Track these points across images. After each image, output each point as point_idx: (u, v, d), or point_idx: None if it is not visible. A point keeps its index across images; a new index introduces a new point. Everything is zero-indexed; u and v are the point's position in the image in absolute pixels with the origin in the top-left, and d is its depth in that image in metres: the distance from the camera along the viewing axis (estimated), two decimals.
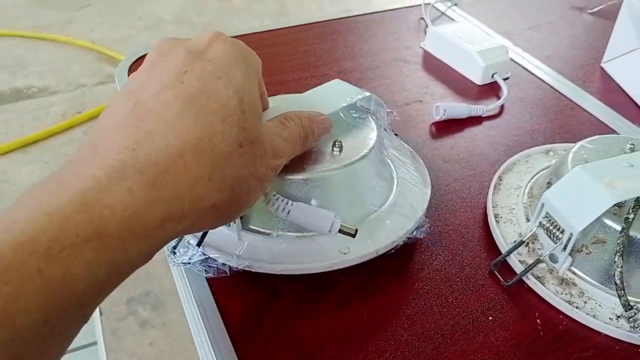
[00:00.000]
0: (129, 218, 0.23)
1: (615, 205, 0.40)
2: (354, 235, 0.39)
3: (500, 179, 0.49)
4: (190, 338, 0.38)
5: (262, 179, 0.31)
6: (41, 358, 0.21)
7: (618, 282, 0.37)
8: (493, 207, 0.47)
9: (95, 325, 0.78)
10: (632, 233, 0.38)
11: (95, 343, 0.75)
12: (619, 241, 0.38)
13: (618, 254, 0.38)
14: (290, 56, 0.69)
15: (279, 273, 0.40)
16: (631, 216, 0.38)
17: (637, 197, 0.39)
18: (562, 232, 0.40)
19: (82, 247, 0.21)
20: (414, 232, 0.43)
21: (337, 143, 0.43)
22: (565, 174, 0.42)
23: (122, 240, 0.22)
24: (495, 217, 0.46)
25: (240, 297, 0.40)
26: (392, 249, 0.42)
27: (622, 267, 0.37)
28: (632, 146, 0.45)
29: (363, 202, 0.43)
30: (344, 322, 0.39)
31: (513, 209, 0.47)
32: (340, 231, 0.39)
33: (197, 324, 0.38)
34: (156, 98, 0.27)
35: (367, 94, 0.48)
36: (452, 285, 0.41)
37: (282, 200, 0.39)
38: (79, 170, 0.24)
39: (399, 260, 0.43)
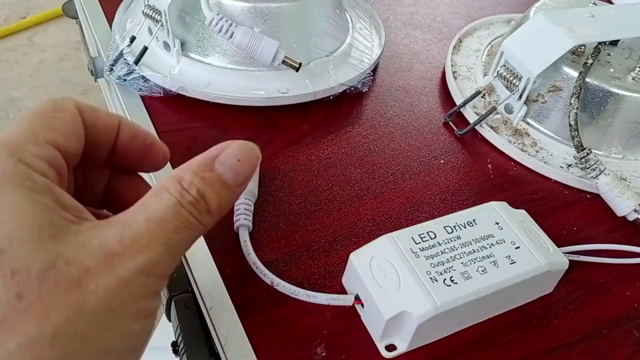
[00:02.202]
0: None
1: (574, 54, 0.39)
2: (297, 69, 0.38)
3: (460, 40, 0.48)
4: None
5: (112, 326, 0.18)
6: None
7: (572, 123, 0.37)
8: (452, 65, 0.45)
9: None
10: (588, 79, 0.38)
11: None
12: (576, 84, 0.37)
13: (574, 96, 0.37)
14: None
15: (213, 100, 0.39)
16: (590, 61, 0.38)
17: (597, 44, 0.38)
18: (519, 79, 0.39)
19: None
20: (358, 84, 0.42)
21: None
22: None
23: None
24: (454, 74, 0.44)
25: (176, 124, 0.38)
26: (331, 95, 0.41)
27: (577, 108, 0.37)
28: (595, 4, 0.44)
29: (309, 44, 0.41)
30: (292, 158, 0.37)
31: (471, 68, 0.46)
32: (283, 62, 0.37)
33: None
34: None
35: None
36: (405, 133, 0.40)
37: (227, 22, 0.36)
38: None
39: (351, 108, 0.42)
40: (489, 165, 0.39)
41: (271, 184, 0.35)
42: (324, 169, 0.37)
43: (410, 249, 0.27)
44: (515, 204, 0.36)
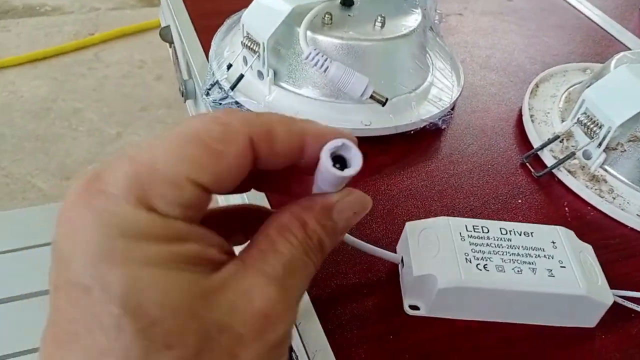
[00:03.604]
0: None
1: None
2: (384, 104, 0.40)
3: (537, 85, 0.49)
4: None
5: None
6: None
7: None
8: (529, 108, 0.47)
9: None
10: None
11: None
12: None
13: None
14: None
15: None
16: None
17: None
18: (599, 127, 0.40)
19: None
20: (438, 120, 0.43)
21: (380, 18, 0.42)
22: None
23: None
24: (531, 117, 0.46)
25: None
26: (412, 130, 0.42)
27: None
28: None
29: (395, 81, 0.43)
30: (373, 188, 0.39)
31: (548, 113, 0.47)
32: (371, 97, 0.39)
33: None
34: None
35: None
36: (483, 170, 0.42)
37: (323, 57, 0.39)
38: None
39: (430, 143, 0.43)
40: (566, 209, 0.39)
41: None
42: (403, 199, 0.39)
43: (460, 232, 0.30)
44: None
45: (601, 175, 0.41)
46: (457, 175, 0.41)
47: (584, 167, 0.42)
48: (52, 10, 2.03)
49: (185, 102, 0.51)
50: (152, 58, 1.85)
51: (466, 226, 0.30)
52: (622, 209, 0.39)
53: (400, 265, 0.32)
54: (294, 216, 0.21)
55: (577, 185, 0.40)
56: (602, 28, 0.63)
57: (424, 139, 0.43)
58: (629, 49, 0.60)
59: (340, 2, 0.44)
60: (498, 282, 0.28)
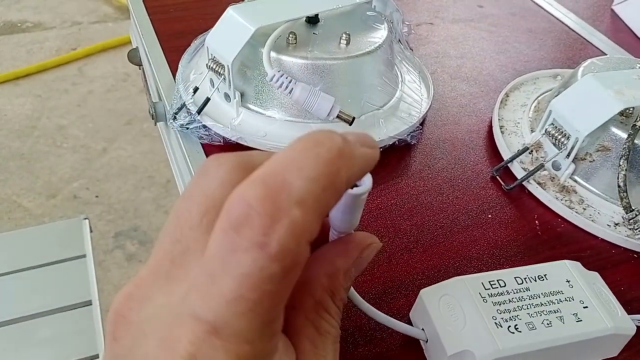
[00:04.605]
0: None
1: (622, 115, 0.40)
2: (350, 123, 0.40)
3: (507, 95, 0.49)
4: None
5: None
6: None
7: (621, 184, 0.38)
8: (499, 119, 0.46)
9: (84, 240, 0.79)
10: (637, 141, 0.38)
11: (84, 256, 0.76)
12: (624, 146, 0.38)
13: (623, 157, 0.38)
14: None
15: (269, 150, 0.40)
16: (638, 124, 0.38)
17: None
18: (567, 138, 0.40)
19: None
20: (407, 137, 0.43)
21: (345, 35, 0.42)
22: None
23: None
24: (501, 129, 0.45)
25: None
26: (381, 147, 0.42)
27: (626, 169, 0.38)
28: None
29: (362, 99, 0.43)
30: None
31: (518, 123, 0.47)
32: (338, 116, 0.39)
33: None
34: None
35: None
36: (453, 186, 0.41)
37: (287, 78, 0.38)
38: None
39: (400, 160, 0.43)
40: (536, 222, 0.39)
41: (322, 231, 0.37)
42: (373, 219, 0.38)
43: (479, 293, 0.29)
44: None
45: (571, 186, 0.41)
46: (426, 192, 0.41)
47: (553, 178, 0.42)
48: (34, 26, 2.02)
49: (155, 124, 0.50)
50: (136, 70, 1.83)
51: (483, 284, 0.29)
52: (592, 220, 0.39)
53: (421, 340, 0.30)
54: (325, 291, 0.22)
55: (547, 197, 0.40)
56: (573, 31, 0.63)
57: (393, 156, 0.43)
58: (601, 51, 0.60)
59: (305, 20, 0.44)
60: (533, 343, 0.27)
